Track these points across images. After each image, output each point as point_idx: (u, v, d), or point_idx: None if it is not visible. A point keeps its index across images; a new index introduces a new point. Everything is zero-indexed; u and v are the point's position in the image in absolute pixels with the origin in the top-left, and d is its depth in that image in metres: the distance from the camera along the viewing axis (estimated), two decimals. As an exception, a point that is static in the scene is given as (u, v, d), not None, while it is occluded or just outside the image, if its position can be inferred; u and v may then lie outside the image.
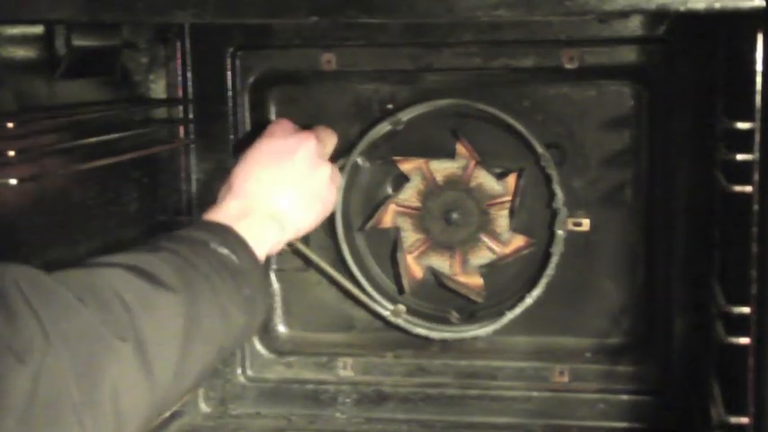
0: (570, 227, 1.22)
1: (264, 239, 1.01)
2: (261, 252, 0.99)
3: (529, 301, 1.22)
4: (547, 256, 1.22)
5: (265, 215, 1.03)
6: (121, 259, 0.84)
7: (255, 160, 1.07)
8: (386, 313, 1.26)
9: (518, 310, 1.23)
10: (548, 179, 1.21)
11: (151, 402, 0.79)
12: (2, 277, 0.72)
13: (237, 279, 0.92)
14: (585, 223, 1.23)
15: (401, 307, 1.26)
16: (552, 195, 1.21)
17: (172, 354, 0.81)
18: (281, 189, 1.06)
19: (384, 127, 1.25)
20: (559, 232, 1.21)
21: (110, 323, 0.75)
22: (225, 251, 0.92)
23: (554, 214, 1.21)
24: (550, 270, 1.22)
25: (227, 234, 0.96)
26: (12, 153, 0.91)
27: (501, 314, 1.23)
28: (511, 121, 1.20)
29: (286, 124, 1.13)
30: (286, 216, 1.06)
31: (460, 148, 1.25)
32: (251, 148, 1.09)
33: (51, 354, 0.70)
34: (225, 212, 1.01)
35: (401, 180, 1.28)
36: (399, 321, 1.26)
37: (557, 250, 1.21)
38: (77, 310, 0.74)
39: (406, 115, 1.24)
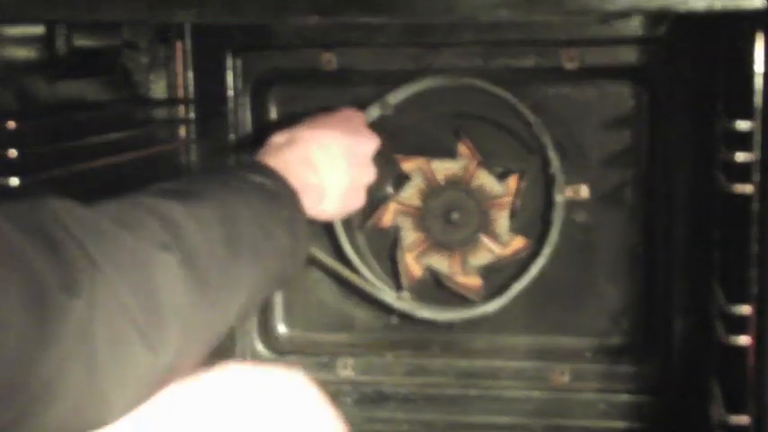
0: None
1: (304, 200, 0.99)
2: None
3: (534, 271, 1.23)
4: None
5: (311, 177, 1.04)
6: (154, 187, 0.85)
7: (331, 129, 1.09)
8: (390, 299, 1.26)
9: (524, 281, 1.23)
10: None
11: (209, 315, 0.78)
12: (39, 210, 0.70)
13: (274, 201, 0.92)
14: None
15: (406, 293, 1.27)
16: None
17: (219, 260, 0.80)
18: (339, 166, 1.08)
19: (374, 111, 1.24)
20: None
21: (153, 239, 0.75)
22: (259, 178, 0.93)
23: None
24: (551, 267, 1.22)
25: (264, 168, 0.96)
26: (12, 153, 0.91)
27: (507, 287, 1.24)
28: (501, 93, 1.21)
29: (361, 117, 1.18)
30: (328, 189, 1.06)
31: (462, 148, 1.26)
32: (329, 115, 1.13)
33: (101, 280, 0.68)
34: (273, 158, 1.01)
35: (402, 179, 1.28)
36: (404, 305, 1.26)
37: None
38: (120, 234, 0.73)
39: (393, 99, 1.24)
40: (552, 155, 1.21)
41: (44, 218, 0.69)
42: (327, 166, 1.07)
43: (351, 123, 1.14)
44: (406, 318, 1.28)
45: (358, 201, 1.14)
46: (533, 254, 1.24)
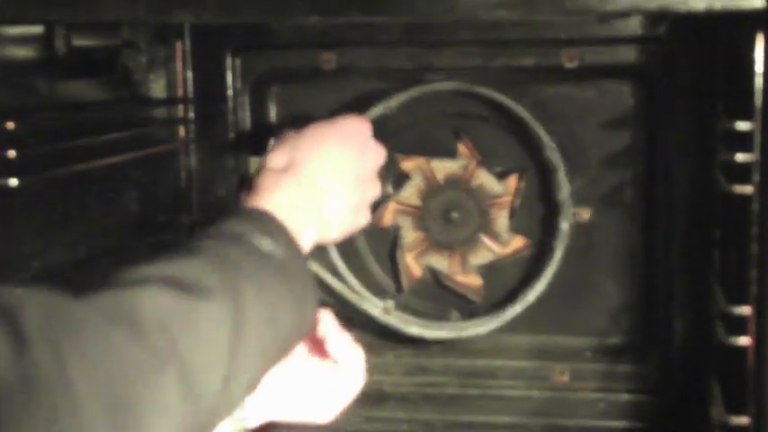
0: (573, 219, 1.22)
1: (308, 235, 0.92)
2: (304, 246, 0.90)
3: (531, 298, 1.23)
4: (548, 253, 1.23)
5: (316, 209, 0.95)
6: (155, 271, 0.73)
7: (336, 146, 1.00)
8: (376, 312, 1.27)
9: (518, 307, 1.23)
10: (551, 171, 1.21)
11: (196, 425, 0.69)
12: (15, 306, 0.60)
13: (284, 275, 0.82)
14: (586, 216, 1.23)
15: (390, 303, 1.26)
16: (557, 188, 1.21)
17: (217, 374, 0.71)
18: (346, 189, 0.99)
19: (377, 110, 1.24)
20: (563, 226, 1.21)
21: (147, 352, 0.65)
22: (268, 245, 0.82)
23: (557, 208, 1.21)
24: (552, 267, 1.22)
25: (269, 224, 0.86)
26: (12, 153, 0.91)
27: (501, 311, 1.24)
28: (505, 100, 1.20)
29: (367, 128, 1.07)
30: (333, 216, 0.98)
31: (462, 148, 1.26)
32: (333, 127, 1.02)
33: (72, 393, 0.58)
34: (276, 194, 0.92)
35: (402, 178, 1.28)
36: (390, 319, 1.26)
37: (559, 245, 1.21)
38: (109, 338, 0.63)
39: (396, 101, 1.24)
40: (562, 179, 1.21)
41: (17, 314, 0.59)
42: (334, 191, 0.98)
43: (357, 137, 1.04)
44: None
45: (363, 219, 1.05)
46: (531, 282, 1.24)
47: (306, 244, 0.91)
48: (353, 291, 1.27)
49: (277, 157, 0.98)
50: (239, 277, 0.77)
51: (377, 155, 1.06)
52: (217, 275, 0.75)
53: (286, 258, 0.83)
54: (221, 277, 0.75)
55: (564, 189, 1.21)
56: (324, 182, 0.97)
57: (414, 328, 1.26)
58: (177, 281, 0.72)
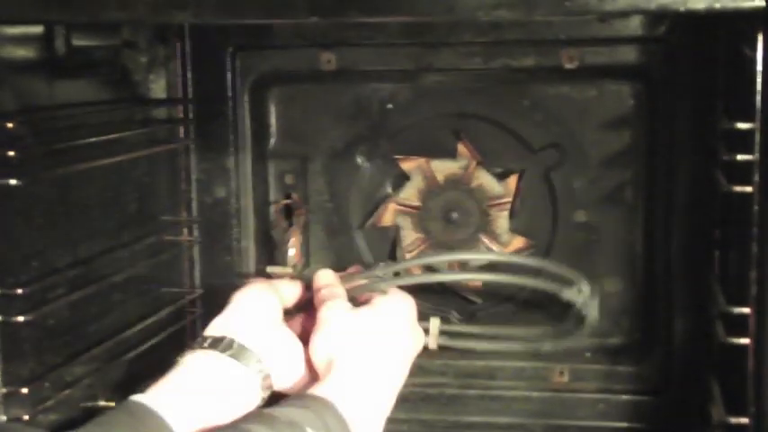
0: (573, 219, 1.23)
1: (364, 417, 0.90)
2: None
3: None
4: (548, 253, 1.22)
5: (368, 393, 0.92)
6: None
7: (369, 332, 0.96)
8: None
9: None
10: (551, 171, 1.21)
11: None
12: None
13: None
14: (586, 216, 1.23)
15: None
16: (557, 188, 1.21)
17: None
18: (389, 370, 0.96)
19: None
20: (563, 227, 1.21)
21: None
22: None
23: (557, 208, 1.21)
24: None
25: (325, 412, 0.85)
26: (11, 153, 0.91)
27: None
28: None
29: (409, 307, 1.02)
30: (381, 394, 0.94)
31: (462, 149, 1.26)
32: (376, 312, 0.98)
33: None
34: (329, 384, 0.91)
35: (402, 179, 1.28)
36: None
37: (559, 245, 1.21)
38: None
39: None
40: (562, 179, 1.21)
41: None
42: (379, 373, 0.94)
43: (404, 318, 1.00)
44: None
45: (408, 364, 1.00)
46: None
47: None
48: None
49: (319, 354, 0.95)
50: None
51: (418, 343, 1.02)
52: None
53: None
54: None
55: (564, 189, 1.21)
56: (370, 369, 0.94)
57: None
58: None
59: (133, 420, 0.84)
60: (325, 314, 0.97)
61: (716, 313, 1.00)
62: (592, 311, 1.06)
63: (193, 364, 0.91)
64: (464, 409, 1.26)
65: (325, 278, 1.04)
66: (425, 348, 1.09)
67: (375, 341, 0.96)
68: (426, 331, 1.05)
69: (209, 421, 0.87)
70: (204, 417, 0.88)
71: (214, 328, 0.95)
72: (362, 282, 1.05)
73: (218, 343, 0.93)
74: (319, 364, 0.95)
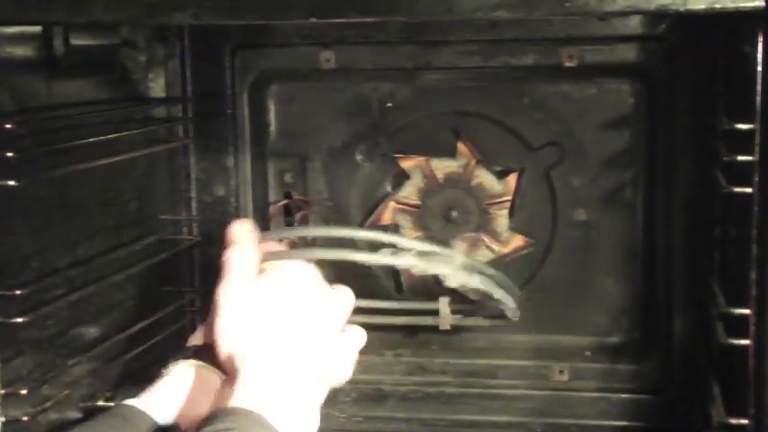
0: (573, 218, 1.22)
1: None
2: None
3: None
4: (548, 252, 1.22)
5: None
6: None
7: (269, 314, 0.88)
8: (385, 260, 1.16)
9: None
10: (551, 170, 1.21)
11: None
12: None
13: None
14: (586, 216, 1.23)
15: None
16: (556, 188, 1.21)
17: None
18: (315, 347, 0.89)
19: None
20: (563, 226, 1.21)
21: None
22: None
23: (557, 207, 1.21)
24: (552, 266, 1.22)
25: (252, 427, 0.79)
26: (10, 154, 0.91)
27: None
28: None
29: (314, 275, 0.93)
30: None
31: (462, 147, 1.25)
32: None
33: None
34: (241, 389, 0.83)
35: (401, 177, 1.28)
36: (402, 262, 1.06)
37: (559, 245, 1.21)
38: None
39: None
40: (562, 178, 1.21)
41: None
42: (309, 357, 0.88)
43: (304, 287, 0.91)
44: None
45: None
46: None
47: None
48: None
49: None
50: None
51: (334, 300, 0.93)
52: None
53: None
54: None
55: (563, 189, 1.21)
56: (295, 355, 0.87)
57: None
58: None
59: (121, 421, 0.84)
60: (218, 298, 0.88)
61: (716, 314, 1.00)
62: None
63: (177, 373, 0.90)
64: (464, 408, 1.26)
65: (237, 232, 0.91)
66: (437, 330, 1.09)
67: (276, 322, 0.86)
68: (437, 313, 1.02)
69: (195, 424, 0.87)
70: (190, 420, 0.87)
71: (197, 338, 0.94)
72: (275, 246, 0.97)
73: (200, 353, 0.91)
74: (225, 360, 0.86)
